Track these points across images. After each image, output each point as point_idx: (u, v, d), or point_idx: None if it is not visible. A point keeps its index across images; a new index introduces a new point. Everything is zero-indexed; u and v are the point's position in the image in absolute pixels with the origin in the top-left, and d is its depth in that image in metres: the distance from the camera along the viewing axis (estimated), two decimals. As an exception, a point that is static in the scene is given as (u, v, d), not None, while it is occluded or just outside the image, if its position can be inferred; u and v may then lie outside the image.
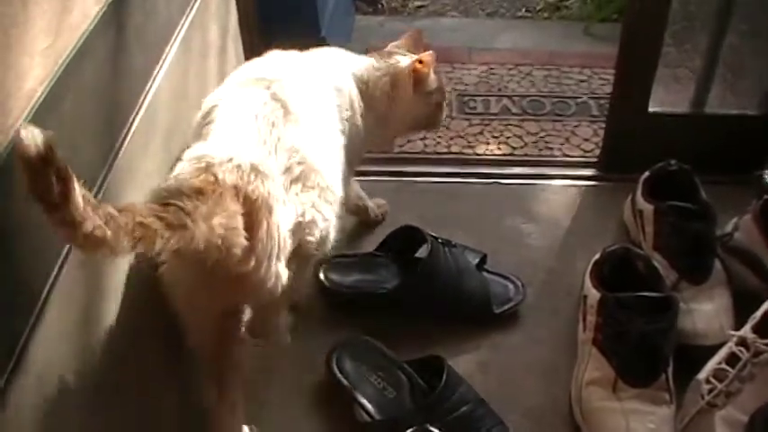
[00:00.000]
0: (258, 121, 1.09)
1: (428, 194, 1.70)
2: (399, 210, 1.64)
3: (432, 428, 1.05)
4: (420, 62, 1.38)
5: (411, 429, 1.04)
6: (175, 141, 1.18)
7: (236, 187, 0.97)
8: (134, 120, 1.03)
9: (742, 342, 1.23)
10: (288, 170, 1.09)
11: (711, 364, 1.26)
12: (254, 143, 1.06)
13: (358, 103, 1.34)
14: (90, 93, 0.91)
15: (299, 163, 1.10)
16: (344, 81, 1.33)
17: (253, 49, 1.57)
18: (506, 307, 1.44)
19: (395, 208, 1.65)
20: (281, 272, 1.07)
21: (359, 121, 1.34)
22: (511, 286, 1.46)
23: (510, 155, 1.85)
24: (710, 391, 1.22)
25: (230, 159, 1.00)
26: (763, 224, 1.41)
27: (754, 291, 1.40)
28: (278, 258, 1.05)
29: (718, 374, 1.23)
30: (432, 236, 1.44)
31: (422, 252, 1.45)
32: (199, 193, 0.92)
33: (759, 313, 1.27)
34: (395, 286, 1.43)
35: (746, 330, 1.24)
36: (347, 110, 1.31)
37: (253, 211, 0.98)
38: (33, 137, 0.65)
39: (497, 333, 1.42)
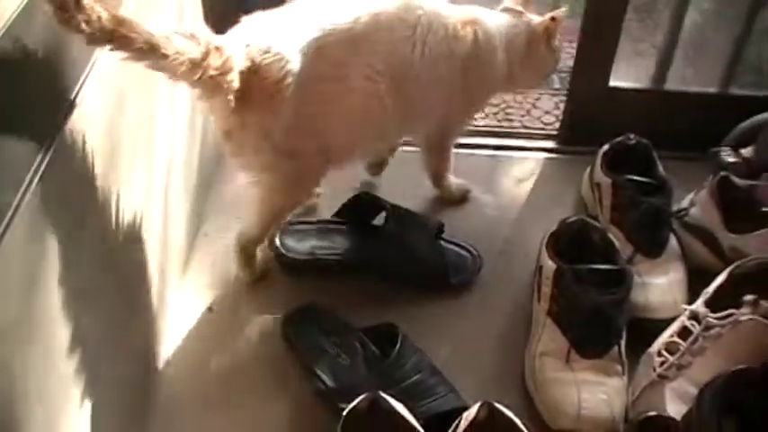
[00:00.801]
0: None
1: (390, 162, 1.69)
2: (357, 177, 1.63)
3: (384, 395, 1.04)
4: (553, 19, 1.43)
5: (363, 396, 1.03)
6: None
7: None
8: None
9: (694, 316, 1.24)
10: None
11: (664, 338, 1.27)
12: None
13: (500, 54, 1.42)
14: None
15: None
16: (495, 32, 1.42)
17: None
18: (462, 276, 1.43)
19: (353, 175, 1.63)
20: None
21: (488, 71, 1.42)
22: (467, 255, 1.46)
23: (471, 126, 1.84)
24: (662, 363, 1.23)
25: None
26: (719, 200, 1.42)
27: (707, 266, 1.41)
28: None
29: (669, 347, 1.24)
30: (389, 204, 1.43)
31: (379, 220, 1.45)
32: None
33: (711, 288, 1.28)
34: (351, 254, 1.42)
35: (699, 305, 1.25)
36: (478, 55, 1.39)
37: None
38: None
39: (453, 301, 1.42)
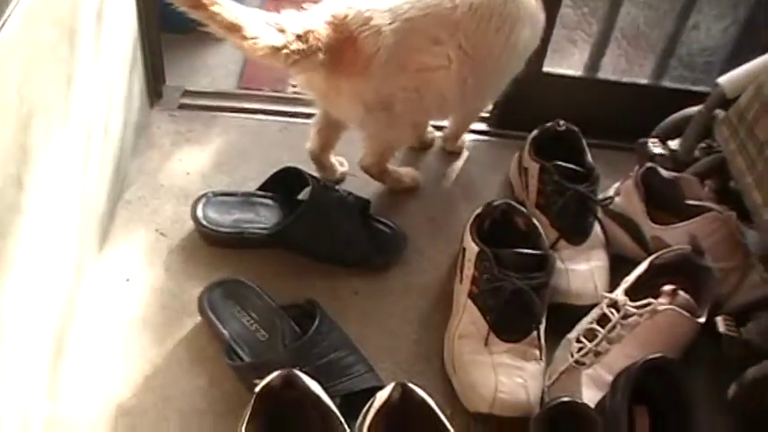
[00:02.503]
0: None
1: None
2: (285, 150, 1.60)
3: (298, 372, 1.02)
4: None
5: (276, 373, 1.01)
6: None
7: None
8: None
9: (613, 304, 1.26)
10: None
11: (583, 324, 1.29)
12: None
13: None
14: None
15: None
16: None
17: None
18: (386, 255, 1.42)
19: (281, 148, 1.61)
20: None
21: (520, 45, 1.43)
22: (392, 234, 1.45)
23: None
24: (579, 349, 1.25)
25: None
26: (644, 191, 1.43)
27: (629, 255, 1.43)
28: None
29: (587, 334, 1.26)
30: (315, 178, 1.41)
31: (305, 194, 1.42)
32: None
33: (631, 277, 1.30)
34: (275, 227, 1.40)
35: (618, 293, 1.27)
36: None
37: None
38: None
39: (376, 280, 1.41)
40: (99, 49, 1.27)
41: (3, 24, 0.90)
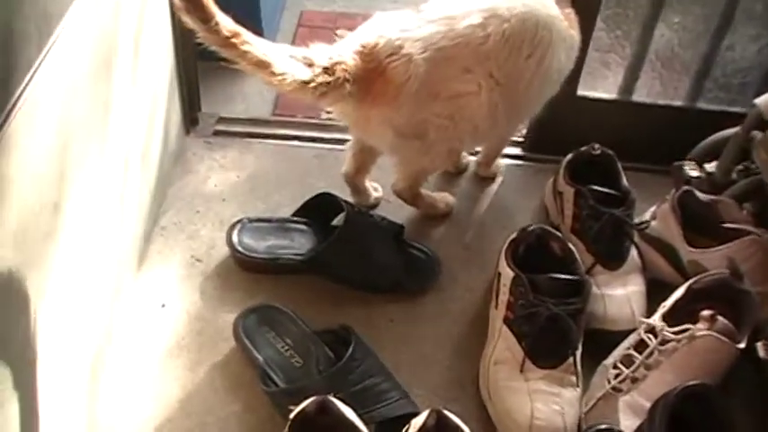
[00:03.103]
0: None
1: (351, 163, 1.67)
2: (319, 176, 1.61)
3: (332, 399, 1.02)
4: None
5: (311, 399, 1.01)
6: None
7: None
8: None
9: (650, 330, 1.24)
10: None
11: (620, 350, 1.27)
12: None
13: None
14: None
15: None
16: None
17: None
18: (420, 280, 1.42)
19: (315, 174, 1.62)
20: None
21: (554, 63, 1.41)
22: (426, 259, 1.44)
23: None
24: (617, 376, 1.23)
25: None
26: (680, 214, 1.41)
27: (667, 280, 1.41)
28: None
29: (625, 360, 1.24)
30: (349, 204, 1.42)
31: (339, 220, 1.43)
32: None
33: (669, 302, 1.28)
34: (309, 253, 1.40)
35: (656, 318, 1.25)
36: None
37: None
38: None
39: (410, 305, 1.40)
40: (136, 78, 1.29)
41: (45, 54, 0.92)
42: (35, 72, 0.89)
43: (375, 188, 1.59)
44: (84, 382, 1.16)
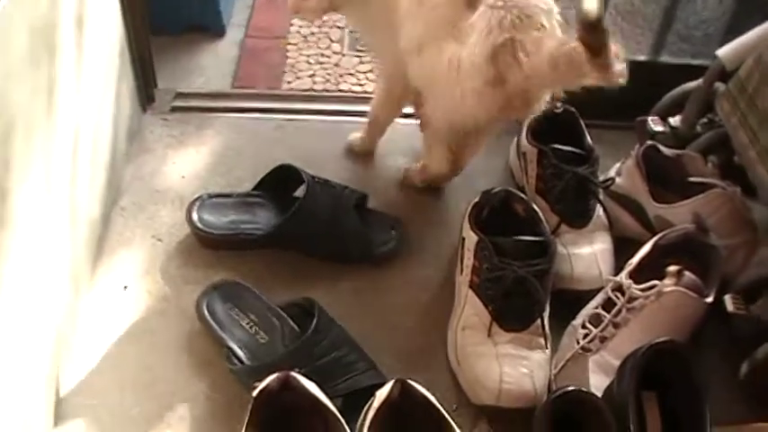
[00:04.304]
0: None
1: (312, 133, 1.64)
2: (280, 149, 1.58)
3: (295, 375, 1.00)
4: None
5: (273, 376, 0.99)
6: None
7: None
8: None
9: (618, 287, 1.23)
10: None
11: (588, 309, 1.26)
12: None
13: None
14: None
15: None
16: None
17: None
18: (385, 248, 1.40)
19: (276, 147, 1.59)
20: None
21: None
22: (390, 227, 1.42)
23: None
24: (585, 335, 1.22)
25: None
26: (645, 170, 1.40)
27: (634, 236, 1.40)
28: None
29: (593, 319, 1.24)
30: (309, 175, 1.39)
31: (300, 191, 1.40)
32: None
33: (635, 259, 1.27)
34: (271, 227, 1.38)
35: (622, 276, 1.24)
36: None
37: None
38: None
39: (376, 274, 1.38)
40: (82, 56, 1.25)
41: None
42: None
43: None
44: (45, 368, 1.14)
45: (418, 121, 1.49)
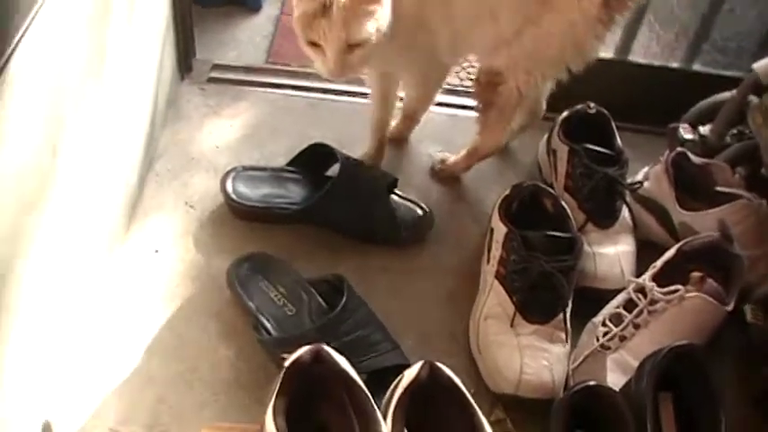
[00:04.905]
0: None
1: (345, 113, 1.67)
2: (314, 126, 1.60)
3: (327, 348, 1.02)
4: None
5: (306, 348, 1.02)
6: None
7: None
8: None
9: (640, 289, 1.25)
10: None
11: (609, 308, 1.29)
12: None
13: None
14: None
15: None
16: None
17: None
18: (413, 232, 1.43)
19: (309, 124, 1.61)
20: None
21: None
22: (420, 212, 1.45)
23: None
24: (605, 333, 1.25)
25: None
26: (673, 176, 1.42)
27: (658, 241, 1.43)
28: None
29: (614, 318, 1.26)
30: (343, 155, 1.41)
31: (333, 171, 1.42)
32: None
33: (659, 263, 1.29)
34: (304, 203, 1.40)
35: (645, 278, 1.27)
36: None
37: None
38: None
39: (403, 257, 1.41)
40: (132, 22, 1.27)
41: (42, 3, 0.90)
42: (35, 16, 0.88)
43: None
44: (75, 325, 1.17)
45: (477, 106, 1.48)
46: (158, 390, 1.18)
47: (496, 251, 1.29)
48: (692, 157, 1.45)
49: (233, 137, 1.58)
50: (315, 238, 1.40)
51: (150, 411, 1.16)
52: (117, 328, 1.25)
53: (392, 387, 1.05)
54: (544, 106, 1.59)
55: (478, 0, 1.30)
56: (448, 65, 1.48)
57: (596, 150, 1.44)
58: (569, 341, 1.25)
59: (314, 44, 1.20)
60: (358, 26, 1.17)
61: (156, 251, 1.36)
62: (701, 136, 1.52)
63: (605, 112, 1.49)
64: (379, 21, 1.18)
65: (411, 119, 1.59)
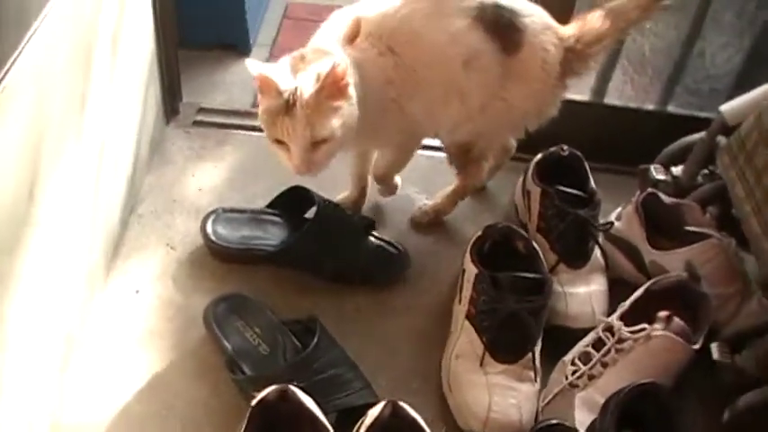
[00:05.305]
0: None
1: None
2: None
3: (293, 388, 1.05)
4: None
5: (272, 388, 1.04)
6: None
7: None
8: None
9: (608, 328, 1.27)
10: None
11: (579, 347, 1.31)
12: None
13: None
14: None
15: None
16: None
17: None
18: (389, 273, 1.46)
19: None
20: None
21: None
22: (396, 253, 1.48)
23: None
24: (574, 372, 1.26)
25: None
26: (644, 216, 1.45)
27: (630, 280, 1.45)
28: None
29: (582, 357, 1.28)
30: (321, 198, 1.44)
31: (311, 213, 1.45)
32: None
33: (628, 302, 1.32)
34: (281, 245, 1.43)
35: (614, 318, 1.29)
36: None
37: None
38: None
39: (378, 297, 1.44)
40: (115, 68, 1.32)
41: (23, 46, 0.94)
42: (12, 64, 0.91)
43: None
44: (54, 366, 1.19)
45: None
46: (135, 427, 1.21)
47: (467, 291, 1.31)
48: (662, 197, 1.47)
49: (216, 179, 1.62)
50: (292, 279, 1.42)
51: (126, 448, 1.18)
52: (96, 367, 1.28)
53: (357, 426, 1.07)
54: (515, 143, 1.62)
55: (447, 82, 1.33)
56: (422, 136, 1.50)
57: (569, 192, 1.47)
58: (539, 380, 1.27)
59: (279, 141, 1.20)
60: (322, 123, 1.16)
61: (137, 291, 1.40)
62: (674, 177, 1.55)
63: (578, 154, 1.52)
64: (344, 116, 1.19)
65: (390, 177, 1.56)
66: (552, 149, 1.54)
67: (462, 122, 1.39)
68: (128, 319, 1.35)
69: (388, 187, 1.58)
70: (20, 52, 0.93)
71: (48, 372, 1.17)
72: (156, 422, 1.22)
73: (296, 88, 1.15)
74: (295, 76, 1.19)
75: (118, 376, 1.27)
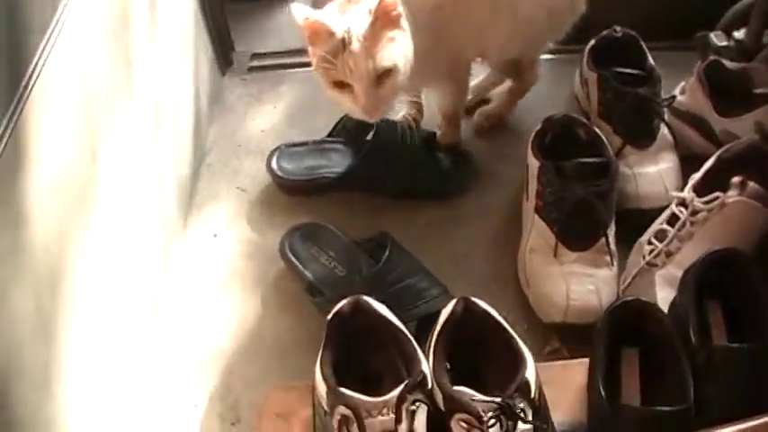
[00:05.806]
0: None
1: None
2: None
3: (365, 298, 1.07)
4: None
5: (344, 300, 1.07)
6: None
7: None
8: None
9: (682, 202, 1.24)
10: None
11: (654, 226, 1.28)
12: None
13: None
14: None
15: None
16: None
17: None
18: (458, 182, 1.46)
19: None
20: None
21: None
22: (461, 161, 1.48)
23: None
24: (651, 251, 1.24)
25: None
26: (708, 85, 1.40)
27: (702, 152, 1.39)
28: None
29: (659, 235, 1.25)
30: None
31: (371, 135, 1.46)
32: None
33: (699, 173, 1.27)
34: (345, 169, 1.45)
35: (686, 190, 1.25)
36: None
37: None
38: None
39: (448, 207, 1.44)
40: (156, 29, 1.34)
41: (59, 18, 0.96)
42: (50, 37, 0.93)
43: None
44: (145, 316, 1.25)
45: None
46: (228, 362, 1.26)
47: (533, 185, 1.30)
48: (726, 63, 1.42)
49: (276, 119, 1.65)
50: (361, 202, 1.44)
51: (223, 383, 1.23)
52: (184, 313, 1.33)
53: (433, 328, 1.08)
54: None
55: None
56: (469, 62, 1.48)
57: (625, 72, 1.43)
58: (616, 263, 1.26)
59: (339, 85, 1.19)
60: (383, 53, 1.14)
61: (215, 235, 1.44)
62: (737, 41, 1.49)
63: (633, 33, 1.48)
64: (402, 46, 1.18)
65: (459, 116, 1.54)
66: (604, 33, 1.50)
67: (511, 39, 1.39)
68: (209, 263, 1.40)
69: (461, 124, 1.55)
70: (56, 24, 0.95)
71: (139, 326, 1.22)
72: (249, 356, 1.26)
73: (348, 27, 1.14)
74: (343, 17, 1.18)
75: (206, 318, 1.32)
